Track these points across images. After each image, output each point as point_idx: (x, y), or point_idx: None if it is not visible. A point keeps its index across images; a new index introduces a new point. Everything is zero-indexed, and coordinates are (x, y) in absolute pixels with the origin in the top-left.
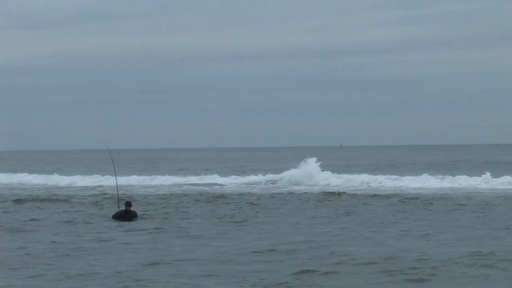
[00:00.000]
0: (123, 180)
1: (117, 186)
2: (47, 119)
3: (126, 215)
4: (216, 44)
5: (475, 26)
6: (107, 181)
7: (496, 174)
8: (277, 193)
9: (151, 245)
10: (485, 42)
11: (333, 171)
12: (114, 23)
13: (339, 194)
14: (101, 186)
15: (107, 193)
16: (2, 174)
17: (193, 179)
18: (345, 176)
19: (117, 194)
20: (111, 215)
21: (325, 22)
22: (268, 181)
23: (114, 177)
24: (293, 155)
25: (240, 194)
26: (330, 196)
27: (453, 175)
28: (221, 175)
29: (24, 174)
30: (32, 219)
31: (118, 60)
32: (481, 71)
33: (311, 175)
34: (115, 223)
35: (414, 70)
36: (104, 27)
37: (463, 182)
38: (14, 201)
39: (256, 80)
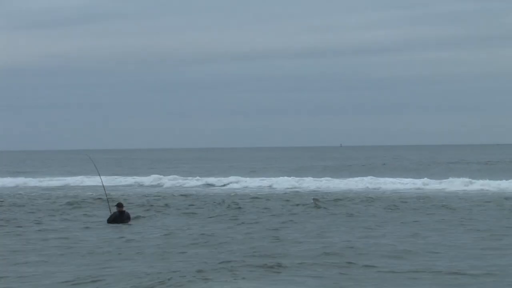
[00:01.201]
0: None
1: (104, 188)
2: (47, 119)
3: (120, 216)
4: (216, 44)
5: (475, 26)
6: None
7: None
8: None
9: None
10: (485, 42)
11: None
12: (114, 23)
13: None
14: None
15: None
16: None
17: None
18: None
19: (106, 197)
20: (106, 219)
21: (325, 22)
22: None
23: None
24: (288, 155)
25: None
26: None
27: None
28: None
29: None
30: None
31: (118, 60)
32: (481, 71)
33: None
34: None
35: (414, 70)
36: (104, 27)
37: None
38: None
39: (255, 80)
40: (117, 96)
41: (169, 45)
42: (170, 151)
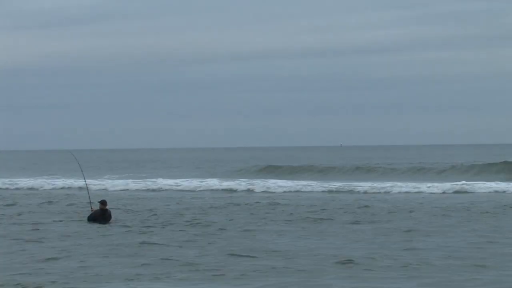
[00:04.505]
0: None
1: (87, 186)
2: (47, 119)
3: (103, 214)
4: (216, 44)
5: (475, 26)
6: None
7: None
8: None
9: None
10: (485, 42)
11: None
12: (114, 23)
13: None
14: None
15: None
16: None
17: None
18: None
19: (88, 195)
20: (87, 217)
21: (325, 22)
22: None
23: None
24: (286, 155)
25: None
26: None
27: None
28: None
29: None
30: None
31: (118, 60)
32: (481, 71)
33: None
34: None
35: (414, 70)
36: (105, 27)
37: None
38: None
39: (256, 80)
40: (117, 96)
41: (169, 45)
42: (169, 151)
